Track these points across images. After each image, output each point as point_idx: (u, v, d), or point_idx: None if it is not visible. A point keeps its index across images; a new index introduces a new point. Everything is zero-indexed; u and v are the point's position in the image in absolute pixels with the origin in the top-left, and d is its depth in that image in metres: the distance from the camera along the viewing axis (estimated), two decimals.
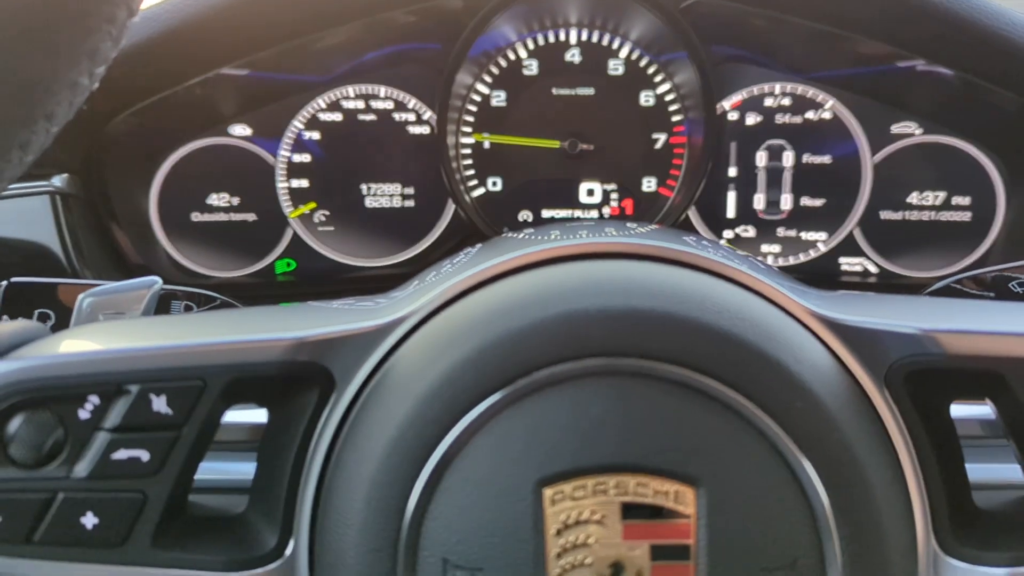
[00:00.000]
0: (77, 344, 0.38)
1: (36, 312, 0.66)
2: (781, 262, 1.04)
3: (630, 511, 0.35)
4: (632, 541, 0.35)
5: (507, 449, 0.36)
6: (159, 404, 0.37)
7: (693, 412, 0.36)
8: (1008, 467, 0.42)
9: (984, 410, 0.40)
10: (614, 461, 0.35)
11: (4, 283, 0.66)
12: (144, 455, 0.37)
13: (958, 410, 0.41)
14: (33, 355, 0.38)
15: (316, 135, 1.02)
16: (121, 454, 0.37)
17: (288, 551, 0.39)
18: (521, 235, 0.46)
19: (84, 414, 0.37)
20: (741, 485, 0.36)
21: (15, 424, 0.36)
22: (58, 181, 0.88)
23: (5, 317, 0.66)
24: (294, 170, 1.02)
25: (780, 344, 0.37)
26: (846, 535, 0.36)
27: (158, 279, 0.50)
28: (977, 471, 0.42)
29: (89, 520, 0.36)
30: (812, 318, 0.39)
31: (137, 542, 0.37)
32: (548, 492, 0.35)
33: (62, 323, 0.67)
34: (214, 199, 1.02)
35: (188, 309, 0.69)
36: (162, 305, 0.68)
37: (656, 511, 0.35)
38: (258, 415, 0.42)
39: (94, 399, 0.37)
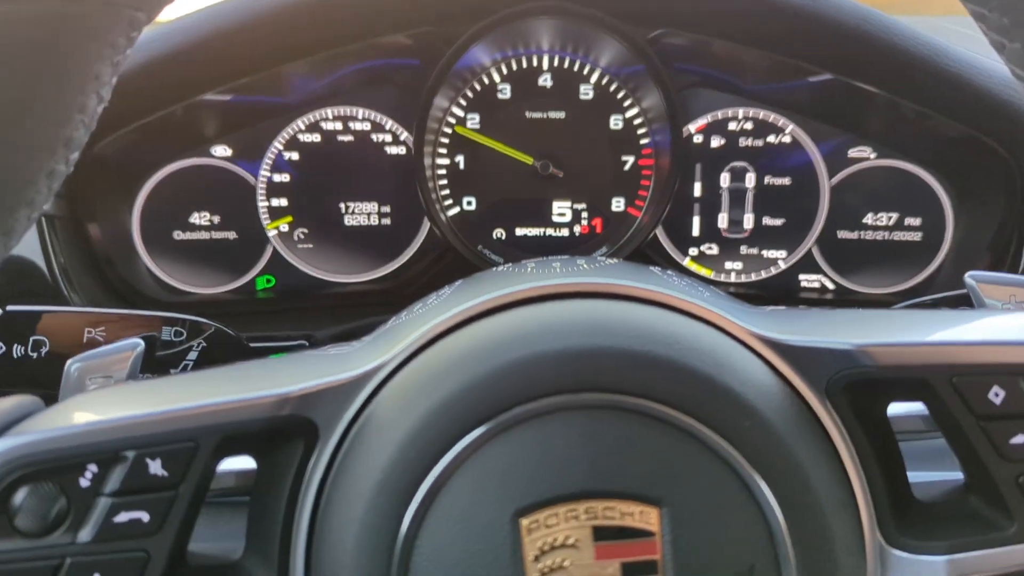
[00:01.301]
0: (72, 416, 0.40)
1: (31, 339, 0.68)
2: (744, 278, 1.08)
3: (601, 533, 0.38)
4: (604, 561, 0.38)
5: (484, 485, 0.38)
6: (155, 467, 0.38)
7: (652, 438, 0.39)
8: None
9: (922, 407, 0.44)
10: (583, 488, 0.38)
11: (0, 311, 0.68)
12: (144, 516, 0.38)
13: (900, 408, 0.45)
14: (32, 430, 0.39)
15: (295, 155, 1.04)
16: (122, 517, 0.38)
17: None
18: (476, 280, 0.48)
19: (84, 482, 0.38)
20: (700, 502, 0.38)
21: (20, 496, 0.37)
22: None
23: (1, 344, 0.68)
24: (274, 189, 1.05)
25: (726, 369, 0.40)
26: (797, 539, 0.39)
27: (141, 342, 0.51)
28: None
29: None
30: (755, 340, 0.41)
31: None
32: (524, 522, 0.38)
33: (55, 348, 0.70)
34: (196, 218, 1.04)
35: (178, 335, 0.71)
36: (153, 338, 0.71)
37: (625, 531, 0.38)
38: (244, 462, 0.44)
39: (93, 468, 0.38)
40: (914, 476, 0.46)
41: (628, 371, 0.39)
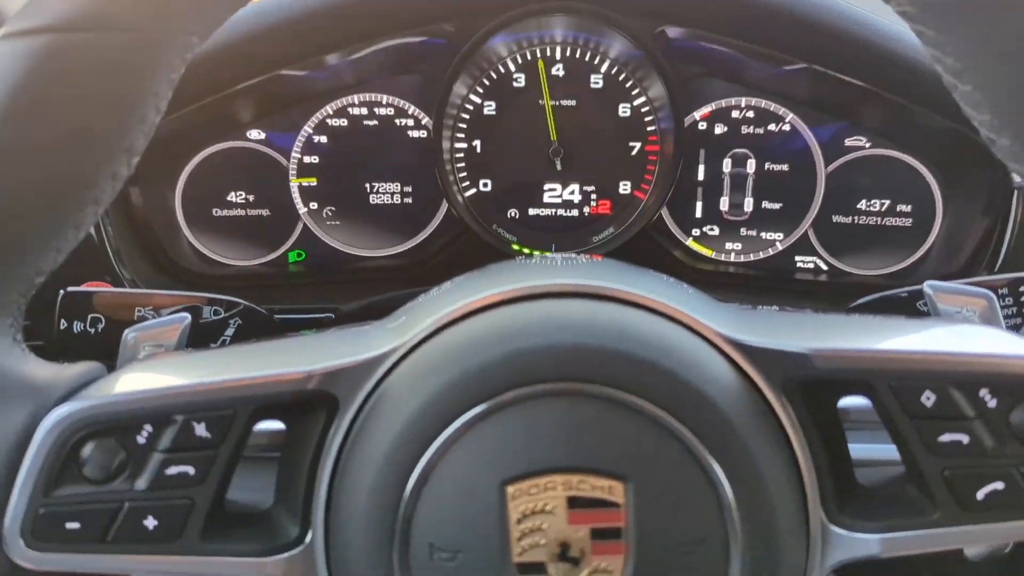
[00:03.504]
0: (132, 382, 0.47)
1: (89, 316, 0.77)
2: (743, 258, 1.14)
3: (574, 502, 0.42)
4: (576, 525, 0.43)
5: (477, 457, 0.43)
6: (200, 430, 0.45)
7: (622, 423, 0.43)
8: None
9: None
10: (560, 464, 0.42)
11: (61, 292, 0.77)
12: (190, 470, 0.44)
13: (853, 401, 0.48)
14: (99, 394, 0.46)
15: (324, 139, 1.11)
16: (172, 470, 0.44)
17: (308, 539, 0.47)
18: (482, 274, 0.53)
19: (141, 439, 0.44)
20: (661, 479, 0.43)
21: (87, 450, 0.44)
22: None
23: (63, 321, 0.77)
24: (304, 170, 1.12)
25: (691, 365, 0.45)
26: (744, 516, 0.43)
27: (188, 316, 0.57)
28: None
29: (150, 522, 0.44)
30: (720, 339, 0.46)
31: (189, 537, 0.45)
32: (510, 490, 0.42)
33: (110, 325, 0.78)
34: (232, 196, 1.11)
35: (217, 313, 0.80)
36: (195, 312, 0.80)
37: (595, 502, 0.42)
38: (275, 424, 0.50)
39: (148, 427, 0.44)
40: (870, 448, 0.52)
41: (603, 364, 0.44)
